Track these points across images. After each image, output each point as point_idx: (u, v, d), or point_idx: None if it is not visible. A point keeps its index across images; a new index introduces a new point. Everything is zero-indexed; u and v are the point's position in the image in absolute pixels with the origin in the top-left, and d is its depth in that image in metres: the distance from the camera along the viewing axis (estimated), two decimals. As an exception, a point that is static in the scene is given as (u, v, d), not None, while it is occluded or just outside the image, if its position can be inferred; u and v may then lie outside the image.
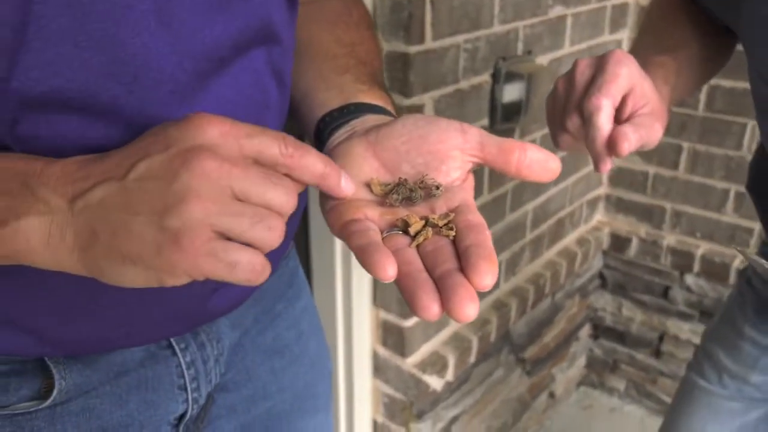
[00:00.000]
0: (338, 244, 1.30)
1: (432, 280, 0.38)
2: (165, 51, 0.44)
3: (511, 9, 1.32)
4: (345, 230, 0.43)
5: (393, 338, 1.38)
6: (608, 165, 0.57)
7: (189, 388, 0.61)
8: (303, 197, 0.67)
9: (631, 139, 0.54)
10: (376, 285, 1.36)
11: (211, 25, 0.46)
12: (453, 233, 0.41)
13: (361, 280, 1.34)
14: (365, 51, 0.62)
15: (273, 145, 0.38)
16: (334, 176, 0.42)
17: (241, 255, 0.37)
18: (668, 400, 1.98)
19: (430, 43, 1.16)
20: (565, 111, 0.60)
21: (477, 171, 1.44)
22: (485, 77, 1.33)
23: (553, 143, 0.66)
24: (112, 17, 0.42)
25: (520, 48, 1.39)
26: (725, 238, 1.78)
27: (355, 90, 0.56)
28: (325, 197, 0.46)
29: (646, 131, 0.57)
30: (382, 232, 0.43)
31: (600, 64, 0.58)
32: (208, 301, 0.56)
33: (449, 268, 0.39)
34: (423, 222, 0.42)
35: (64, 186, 0.38)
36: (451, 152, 0.45)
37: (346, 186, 0.43)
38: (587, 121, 0.57)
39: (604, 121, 0.56)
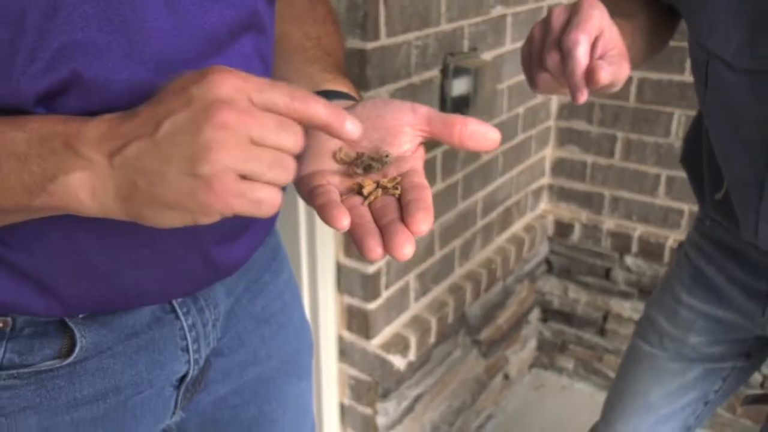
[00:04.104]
0: (303, 232, 1.36)
1: (379, 229, 0.47)
2: (174, 35, 0.51)
3: (457, 8, 1.42)
4: (311, 194, 0.51)
5: (357, 322, 1.45)
6: (585, 95, 0.63)
7: (191, 349, 0.67)
8: None
9: (607, 69, 0.61)
10: (340, 271, 1.42)
11: (209, 12, 0.53)
12: (398, 192, 0.50)
13: (326, 268, 1.40)
14: (330, 44, 0.70)
15: (280, 99, 0.43)
16: (338, 122, 0.45)
17: (264, 192, 0.43)
18: (615, 375, 2.11)
19: (384, 40, 1.24)
20: (543, 50, 0.66)
21: (430, 162, 1.51)
22: (435, 72, 1.41)
23: (530, 86, 0.71)
24: (130, 5, 0.48)
25: (465, 45, 1.49)
26: (659, 220, 1.92)
27: (323, 79, 0.64)
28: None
29: (617, 68, 0.63)
30: (341, 195, 0.51)
31: (574, 8, 0.65)
32: (215, 257, 0.62)
33: (392, 218, 0.47)
34: (375, 185, 0.51)
35: (100, 145, 0.44)
36: (403, 128, 0.53)
37: (351, 129, 0.46)
38: (566, 55, 0.63)
39: (582, 54, 0.62)
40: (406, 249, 0.44)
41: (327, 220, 0.46)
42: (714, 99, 0.82)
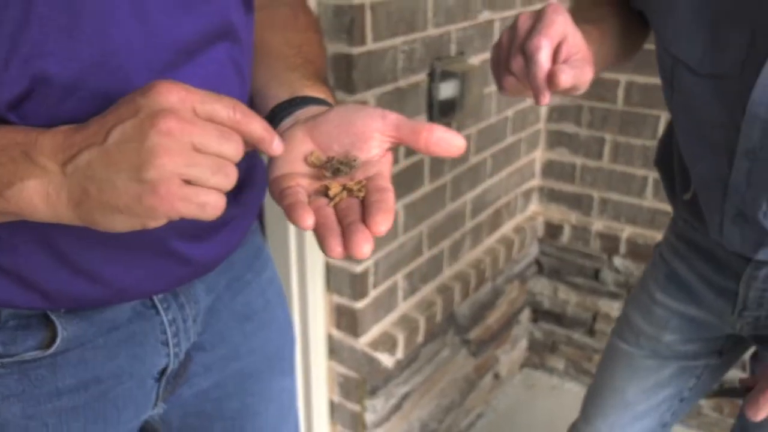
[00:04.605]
0: (292, 234, 1.39)
1: (341, 229, 0.49)
2: (143, 45, 0.53)
3: (444, 14, 1.45)
4: (281, 194, 0.53)
5: (346, 320, 1.47)
6: (547, 98, 0.65)
7: (171, 343, 0.70)
8: (262, 179, 0.77)
9: (568, 73, 0.63)
10: (329, 271, 1.45)
11: (179, 23, 0.56)
12: (363, 194, 0.53)
13: (315, 267, 1.43)
14: (311, 51, 0.73)
15: (222, 111, 0.46)
16: (269, 139, 0.49)
17: (208, 197, 0.45)
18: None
19: (371, 45, 1.27)
20: (509, 54, 0.68)
21: (418, 164, 1.54)
22: (422, 76, 1.44)
23: (498, 89, 0.73)
24: (100, 16, 0.51)
25: (453, 49, 1.51)
26: (647, 221, 1.94)
27: (301, 85, 0.66)
28: (269, 170, 0.56)
29: (580, 71, 0.65)
30: (309, 196, 0.53)
31: (539, 14, 0.67)
32: (191, 255, 0.65)
33: (354, 219, 0.50)
34: (341, 187, 0.53)
35: (55, 154, 0.46)
36: (372, 134, 0.55)
37: (276, 147, 0.50)
38: (529, 60, 0.65)
39: (544, 59, 0.64)
40: (365, 248, 0.47)
41: (293, 219, 0.49)
42: (680, 103, 0.85)
